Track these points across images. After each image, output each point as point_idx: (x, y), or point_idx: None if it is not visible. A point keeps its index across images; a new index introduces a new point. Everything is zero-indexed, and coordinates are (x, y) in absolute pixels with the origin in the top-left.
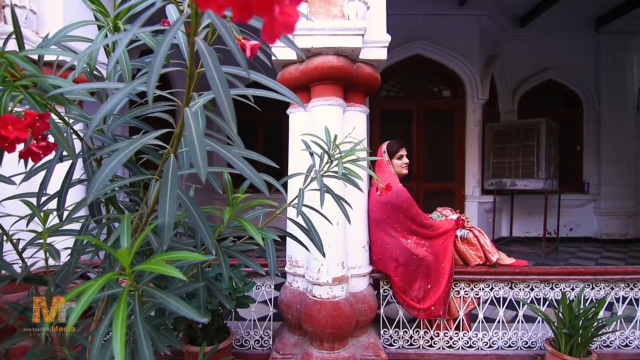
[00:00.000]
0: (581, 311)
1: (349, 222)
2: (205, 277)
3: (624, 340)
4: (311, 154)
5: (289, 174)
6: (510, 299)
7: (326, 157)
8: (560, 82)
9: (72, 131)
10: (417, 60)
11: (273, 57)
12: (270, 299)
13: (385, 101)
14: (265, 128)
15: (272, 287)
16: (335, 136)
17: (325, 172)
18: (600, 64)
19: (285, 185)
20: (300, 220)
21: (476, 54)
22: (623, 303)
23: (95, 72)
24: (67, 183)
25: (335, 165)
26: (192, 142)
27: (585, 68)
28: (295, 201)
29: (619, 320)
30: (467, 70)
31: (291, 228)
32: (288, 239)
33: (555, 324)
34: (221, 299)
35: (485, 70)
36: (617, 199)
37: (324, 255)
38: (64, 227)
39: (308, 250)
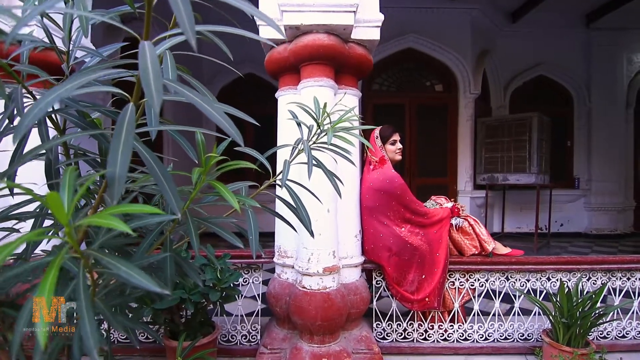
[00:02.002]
0: (579, 300)
1: (340, 196)
2: (173, 249)
3: (620, 331)
4: (298, 124)
5: (277, 161)
6: (506, 292)
7: (315, 127)
8: (552, 78)
9: (24, 91)
10: (410, 54)
11: (261, 37)
12: (258, 294)
13: (377, 95)
14: (257, 121)
15: (260, 281)
16: (325, 104)
17: (314, 143)
18: (590, 60)
19: (274, 169)
20: (287, 196)
21: (468, 48)
22: (618, 295)
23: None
24: (18, 156)
25: (325, 135)
26: (145, 71)
27: (576, 64)
28: (282, 177)
29: (615, 311)
30: (460, 65)
31: (278, 209)
32: (277, 228)
33: (553, 313)
34: (193, 277)
35: (478, 65)
36: (607, 195)
37: (312, 234)
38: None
39: (295, 230)
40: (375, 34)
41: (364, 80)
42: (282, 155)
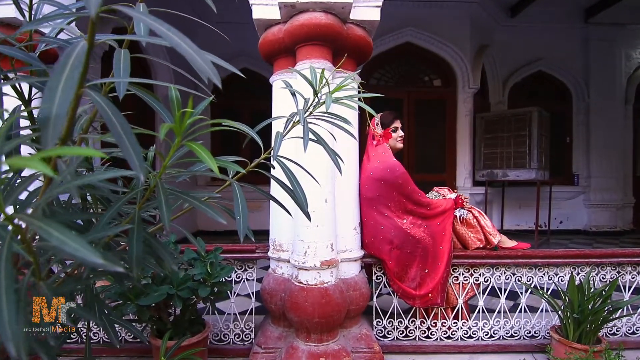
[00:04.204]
0: (590, 295)
1: (340, 172)
2: (141, 225)
3: (630, 328)
4: (293, 94)
5: (272, 144)
6: (510, 289)
7: (312, 99)
8: (550, 74)
9: None
10: (408, 49)
11: (254, 17)
12: (252, 292)
13: (375, 90)
14: (250, 118)
15: (255, 278)
16: (323, 70)
17: (311, 113)
18: (589, 55)
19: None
20: (280, 175)
21: (467, 42)
22: (628, 291)
23: None
24: None
25: (323, 104)
26: None
27: (575, 59)
28: (273, 152)
29: (625, 307)
30: (459, 59)
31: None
32: (271, 219)
33: (562, 307)
34: (167, 260)
35: (476, 60)
36: (607, 192)
37: (308, 216)
38: None
39: (290, 214)
40: (375, 15)
41: (362, 74)
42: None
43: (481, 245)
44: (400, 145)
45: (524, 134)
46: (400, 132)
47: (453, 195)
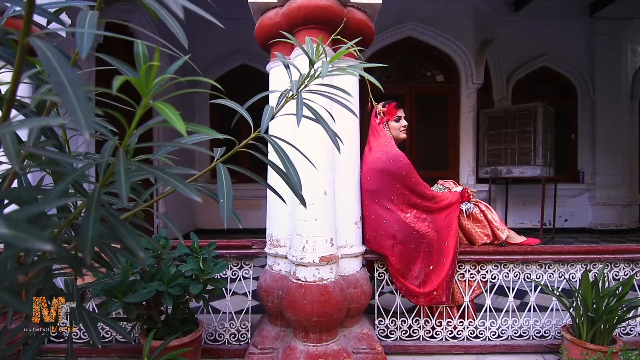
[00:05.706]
0: (605, 292)
1: (339, 151)
2: (99, 203)
3: None
4: (286, 66)
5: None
6: (518, 287)
7: (307, 73)
8: (555, 70)
9: None
10: (410, 43)
11: (250, 0)
12: (249, 290)
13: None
14: (248, 115)
15: (251, 275)
16: (321, 37)
17: (306, 86)
18: (594, 50)
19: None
20: (274, 158)
21: (470, 37)
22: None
23: None
24: None
25: (319, 76)
26: None
27: (580, 55)
28: (261, 127)
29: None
30: (462, 54)
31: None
32: (268, 213)
33: (574, 305)
34: (132, 246)
35: (480, 55)
36: (612, 189)
37: (303, 202)
38: None
39: (284, 201)
40: None
41: None
42: (275, 124)
43: (488, 241)
44: (403, 135)
45: (529, 130)
46: (404, 122)
47: (459, 189)
